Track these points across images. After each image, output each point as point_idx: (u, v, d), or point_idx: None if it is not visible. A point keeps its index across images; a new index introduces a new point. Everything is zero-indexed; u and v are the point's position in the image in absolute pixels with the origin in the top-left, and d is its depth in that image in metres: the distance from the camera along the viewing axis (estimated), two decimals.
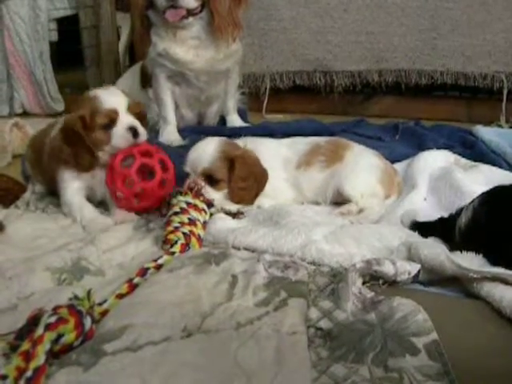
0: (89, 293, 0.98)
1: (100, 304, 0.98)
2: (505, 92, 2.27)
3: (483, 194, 1.14)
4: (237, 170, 1.34)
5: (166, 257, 1.10)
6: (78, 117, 1.38)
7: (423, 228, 1.22)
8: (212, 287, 0.99)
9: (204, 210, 1.27)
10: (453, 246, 1.15)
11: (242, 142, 1.45)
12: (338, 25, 2.38)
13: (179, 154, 1.72)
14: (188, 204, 1.24)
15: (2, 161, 1.97)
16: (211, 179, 1.38)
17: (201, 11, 1.96)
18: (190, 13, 1.94)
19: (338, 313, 0.90)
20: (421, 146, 1.90)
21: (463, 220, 1.11)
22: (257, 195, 1.40)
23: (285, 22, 2.42)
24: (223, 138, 1.44)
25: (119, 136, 1.38)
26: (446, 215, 1.26)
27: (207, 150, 1.39)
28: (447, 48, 2.30)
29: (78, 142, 1.38)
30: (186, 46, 1.99)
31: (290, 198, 1.45)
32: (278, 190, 1.44)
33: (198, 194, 1.27)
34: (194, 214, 1.23)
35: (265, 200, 1.41)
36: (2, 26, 2.69)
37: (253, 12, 2.42)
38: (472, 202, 1.14)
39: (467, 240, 1.10)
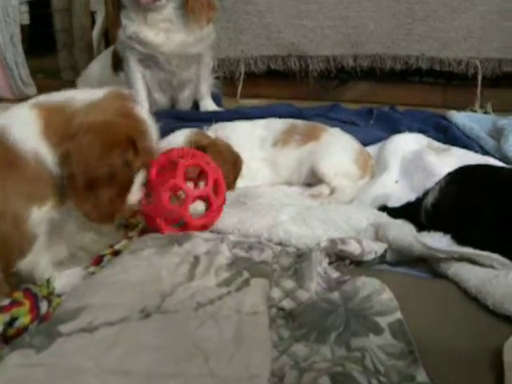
0: (48, 281, 0.96)
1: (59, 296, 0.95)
2: (479, 78, 2.26)
3: (449, 174, 1.13)
4: None
5: (123, 242, 1.06)
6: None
7: (392, 212, 1.21)
8: (173, 268, 0.96)
9: None
10: (421, 228, 1.14)
11: (213, 130, 1.43)
12: (313, 9, 2.34)
13: None
14: None
15: None
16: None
17: None
18: None
19: (301, 292, 0.88)
20: (395, 130, 1.88)
21: (429, 200, 1.10)
22: (235, 180, 1.37)
23: (260, 6, 2.38)
24: (192, 129, 1.40)
25: None
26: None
27: (175, 143, 1.34)
28: (422, 33, 2.28)
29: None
30: (156, 29, 1.94)
31: (268, 178, 1.43)
32: (255, 171, 1.43)
33: None
34: None
35: (242, 181, 1.38)
36: None
37: None
38: (438, 182, 1.13)
39: (433, 221, 1.08)
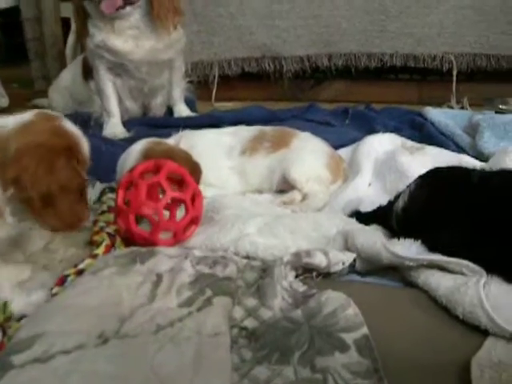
0: (5, 305, 0.92)
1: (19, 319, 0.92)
2: (454, 73, 2.25)
3: (419, 177, 1.10)
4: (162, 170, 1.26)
5: (87, 260, 1.03)
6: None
7: (364, 218, 1.18)
8: (135, 288, 0.93)
9: None
10: (393, 232, 1.12)
11: (177, 138, 1.39)
12: (285, 9, 2.32)
13: (124, 147, 1.66)
14: None
15: None
16: None
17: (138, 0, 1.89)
18: (127, 2, 1.85)
19: (264, 311, 0.85)
20: (371, 129, 1.87)
21: (400, 205, 1.07)
22: None
23: (231, 8, 2.35)
24: (151, 139, 1.36)
25: None
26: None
27: (132, 154, 1.31)
28: (396, 30, 2.27)
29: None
30: (124, 37, 1.91)
31: (237, 187, 1.40)
32: (223, 180, 1.39)
33: None
34: None
35: (210, 190, 1.34)
36: None
37: None
38: (409, 185, 1.10)
39: (404, 226, 1.06)
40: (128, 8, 1.86)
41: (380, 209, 1.19)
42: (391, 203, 1.15)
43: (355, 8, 2.29)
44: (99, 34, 1.91)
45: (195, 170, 1.28)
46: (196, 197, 1.12)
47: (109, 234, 1.10)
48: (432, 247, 0.98)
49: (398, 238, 1.03)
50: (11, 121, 0.93)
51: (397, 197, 1.14)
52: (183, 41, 2.03)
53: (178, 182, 1.12)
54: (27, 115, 0.95)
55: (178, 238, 1.10)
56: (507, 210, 0.91)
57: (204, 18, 2.38)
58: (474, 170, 1.06)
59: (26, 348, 0.80)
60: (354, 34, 2.30)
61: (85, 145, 1.01)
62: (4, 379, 0.74)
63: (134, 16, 1.89)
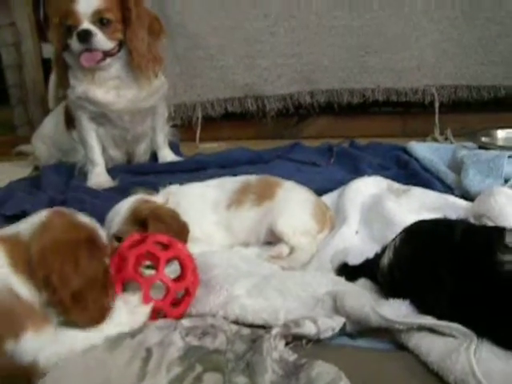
0: None
1: None
2: (436, 105, 2.27)
3: (404, 230, 1.10)
4: (150, 230, 1.25)
5: None
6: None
7: (352, 271, 1.18)
8: (124, 367, 0.91)
9: None
10: (380, 286, 1.11)
11: (165, 194, 1.39)
12: (265, 48, 2.34)
13: (109, 198, 1.65)
14: None
15: None
16: None
17: (118, 51, 1.89)
18: (107, 54, 1.87)
19: None
20: (355, 169, 1.88)
21: (385, 261, 1.07)
22: None
23: (212, 50, 2.36)
24: (139, 197, 1.35)
25: None
26: (378, 249, 1.21)
27: (117, 214, 1.30)
28: (376, 65, 2.29)
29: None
30: (105, 87, 1.91)
31: (224, 241, 1.39)
32: (209, 235, 1.38)
33: None
34: None
35: (197, 246, 1.33)
36: None
37: (179, 41, 2.36)
38: (393, 240, 1.10)
39: (390, 284, 1.06)
40: (108, 59, 1.87)
41: (367, 262, 1.19)
42: (378, 256, 1.15)
43: (335, 45, 2.31)
44: (80, 86, 1.91)
45: (182, 231, 1.28)
46: (194, 274, 1.09)
47: None
48: (419, 307, 0.98)
49: (387, 297, 1.02)
50: (28, 224, 0.93)
51: (383, 250, 1.14)
52: (165, 87, 2.04)
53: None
54: (41, 216, 0.95)
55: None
56: (490, 270, 0.91)
57: (185, 61, 2.39)
58: (456, 225, 1.05)
59: None
60: (335, 71, 2.32)
61: (101, 232, 1.01)
62: None
63: (115, 67, 1.90)
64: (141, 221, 1.26)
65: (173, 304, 1.06)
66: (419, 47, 2.25)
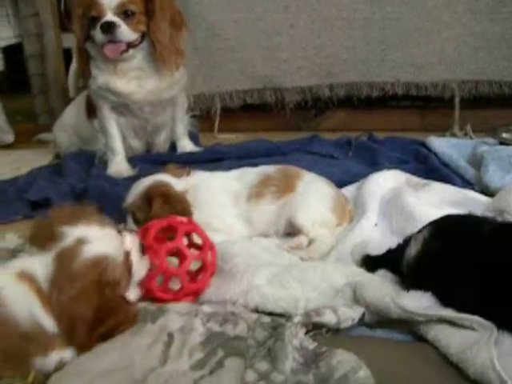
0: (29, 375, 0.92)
1: None
2: (457, 100, 2.25)
3: (432, 224, 1.10)
4: (152, 210, 1.30)
5: None
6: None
7: (373, 262, 1.18)
8: (146, 349, 0.93)
9: None
10: (402, 277, 1.12)
11: (188, 182, 1.41)
12: (285, 41, 2.33)
13: (129, 186, 1.67)
14: None
15: None
16: (135, 218, 1.36)
17: (141, 42, 1.91)
18: (130, 45, 1.88)
19: (276, 375, 0.84)
20: (374, 162, 1.88)
21: (412, 252, 1.06)
22: None
23: (231, 41, 2.36)
24: (159, 178, 1.39)
25: None
26: (397, 241, 1.22)
27: (135, 189, 1.38)
28: (397, 59, 2.27)
29: None
30: (127, 78, 1.93)
31: (243, 232, 1.41)
32: (229, 227, 1.40)
33: None
34: None
35: (217, 236, 1.34)
36: None
37: (199, 33, 2.36)
38: (421, 231, 1.09)
39: (416, 274, 1.05)
40: (131, 51, 1.88)
41: (389, 253, 1.19)
42: (401, 247, 1.15)
43: (355, 38, 2.29)
44: (101, 76, 1.93)
45: (186, 215, 1.30)
46: (212, 251, 1.15)
47: None
48: (444, 299, 0.98)
49: (408, 289, 1.03)
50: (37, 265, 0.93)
51: (406, 241, 1.14)
52: (185, 78, 2.06)
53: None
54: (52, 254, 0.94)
55: (198, 295, 1.13)
56: None
57: (205, 52, 2.40)
58: (485, 220, 1.06)
59: None
60: (354, 64, 2.31)
61: (121, 264, 0.99)
62: None
63: (137, 58, 1.92)
64: (149, 199, 1.31)
65: (190, 279, 1.12)
66: (441, 41, 2.22)
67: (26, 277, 0.92)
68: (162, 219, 1.17)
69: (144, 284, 1.08)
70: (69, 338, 0.92)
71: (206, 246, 1.15)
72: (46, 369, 0.90)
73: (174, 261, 1.14)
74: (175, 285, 1.12)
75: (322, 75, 2.35)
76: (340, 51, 2.32)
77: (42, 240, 0.96)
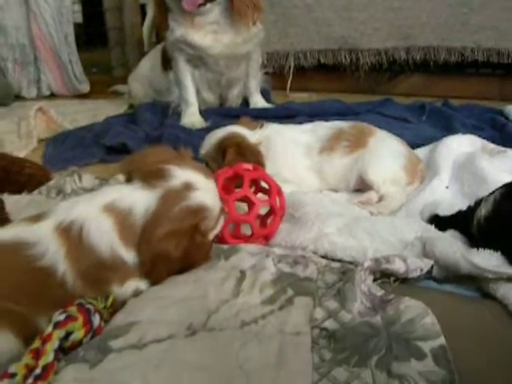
0: (107, 297, 0.98)
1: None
2: None
3: (505, 185, 1.08)
4: (225, 161, 1.32)
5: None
6: None
7: (442, 222, 1.18)
8: (219, 283, 0.98)
9: None
10: (471, 239, 1.11)
11: (262, 134, 1.43)
12: (363, 1, 2.30)
13: (202, 137, 1.72)
14: None
15: (28, 146, 1.97)
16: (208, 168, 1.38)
17: None
18: None
19: (344, 314, 0.88)
20: (448, 127, 1.85)
21: (482, 212, 1.06)
22: None
23: (308, 0, 2.35)
24: (234, 129, 1.42)
25: None
26: (468, 204, 1.21)
27: (210, 139, 1.41)
28: (479, 23, 2.20)
29: None
30: (203, 31, 1.97)
31: (314, 185, 1.43)
32: (300, 178, 1.43)
33: None
34: None
35: (289, 186, 1.37)
36: (28, 9, 2.70)
37: None
38: (493, 193, 1.09)
39: (486, 235, 1.05)
40: (208, 5, 1.91)
41: (459, 214, 1.19)
42: (471, 209, 1.15)
43: (435, 0, 2.23)
44: (179, 29, 1.98)
45: (259, 163, 1.32)
46: (280, 196, 1.17)
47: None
48: (510, 260, 0.98)
49: (477, 247, 1.03)
50: (141, 204, 0.94)
51: (477, 203, 1.13)
52: (261, 35, 2.07)
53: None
54: (151, 200, 0.95)
55: (268, 239, 1.16)
56: None
57: (281, 9, 2.40)
58: None
59: (121, 334, 0.87)
60: (434, 27, 2.25)
61: (212, 210, 1.00)
62: (105, 361, 0.82)
63: (214, 12, 1.95)
64: (222, 150, 1.34)
65: (260, 224, 1.15)
66: None
67: (113, 209, 0.95)
68: (228, 168, 1.19)
69: None
70: (148, 272, 0.96)
71: (273, 191, 1.16)
72: (122, 296, 0.96)
73: (244, 207, 1.18)
74: (246, 230, 1.16)
75: (399, 38, 2.31)
76: (419, 13, 2.27)
77: (145, 175, 0.97)
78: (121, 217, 0.94)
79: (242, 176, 1.15)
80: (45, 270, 0.89)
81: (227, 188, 1.17)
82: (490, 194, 1.11)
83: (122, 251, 0.94)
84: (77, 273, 0.91)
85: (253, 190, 1.18)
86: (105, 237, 0.93)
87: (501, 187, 1.10)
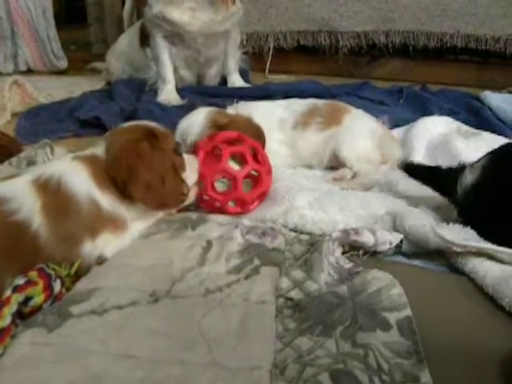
0: (72, 265, 0.96)
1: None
2: None
3: (492, 152, 1.05)
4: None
5: None
6: None
7: (416, 171, 1.16)
8: (185, 252, 0.97)
9: None
10: (451, 200, 1.08)
11: (233, 108, 1.41)
12: None
13: (177, 113, 1.69)
14: None
15: (1, 119, 1.93)
16: None
17: None
18: None
19: (310, 284, 0.87)
20: (425, 111, 1.84)
21: (468, 179, 1.03)
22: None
23: None
24: (212, 108, 1.38)
25: None
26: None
27: (196, 121, 1.32)
28: (458, 9, 2.20)
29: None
30: (182, 8, 1.94)
31: (287, 160, 1.41)
32: (273, 152, 1.40)
33: None
34: None
35: None
36: None
37: None
38: (478, 161, 1.05)
39: (472, 202, 1.02)
40: None
41: (438, 170, 1.15)
42: (454, 171, 1.09)
43: None
44: (157, 5, 1.94)
45: (260, 136, 1.30)
46: (269, 173, 1.16)
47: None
48: (493, 232, 0.96)
49: (460, 214, 1.02)
50: (101, 146, 1.01)
51: (461, 167, 1.08)
52: (240, 13, 2.05)
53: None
54: (105, 137, 1.04)
55: (244, 209, 1.13)
56: None
57: None
58: None
59: (83, 300, 0.85)
60: (414, 12, 2.25)
61: (160, 128, 1.06)
62: (64, 326, 0.80)
63: None
64: (220, 127, 1.29)
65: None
66: None
67: (82, 158, 0.99)
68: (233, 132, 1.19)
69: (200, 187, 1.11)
70: (124, 192, 0.97)
71: (265, 166, 1.16)
72: (90, 257, 0.95)
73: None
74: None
75: (379, 21, 2.30)
76: None
77: None
78: (90, 162, 0.98)
79: (244, 140, 1.16)
80: (18, 224, 0.89)
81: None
82: (476, 162, 1.06)
83: (97, 195, 0.96)
84: (51, 227, 0.91)
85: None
86: (83, 184, 0.95)
87: (487, 155, 1.06)
